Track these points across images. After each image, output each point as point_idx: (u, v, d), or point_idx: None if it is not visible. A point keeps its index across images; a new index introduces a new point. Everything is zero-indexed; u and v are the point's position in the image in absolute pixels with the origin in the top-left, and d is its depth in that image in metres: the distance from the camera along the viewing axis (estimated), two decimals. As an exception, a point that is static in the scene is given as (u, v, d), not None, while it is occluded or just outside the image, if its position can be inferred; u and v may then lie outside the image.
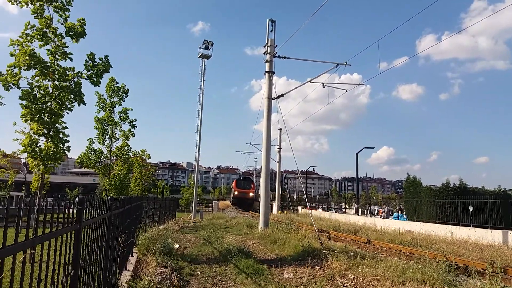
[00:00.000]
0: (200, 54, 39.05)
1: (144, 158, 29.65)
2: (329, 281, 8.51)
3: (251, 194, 49.74)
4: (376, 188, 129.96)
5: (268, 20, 19.17)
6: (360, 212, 36.70)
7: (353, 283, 8.23)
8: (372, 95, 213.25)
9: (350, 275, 8.65)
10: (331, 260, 9.77)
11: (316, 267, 9.87)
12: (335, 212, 42.29)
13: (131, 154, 23.06)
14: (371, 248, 13.45)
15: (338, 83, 20.97)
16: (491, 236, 17.55)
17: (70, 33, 9.33)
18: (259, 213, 18.73)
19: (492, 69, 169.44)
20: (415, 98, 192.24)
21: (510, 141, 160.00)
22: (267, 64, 19.30)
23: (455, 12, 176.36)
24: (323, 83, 19.86)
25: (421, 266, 8.31)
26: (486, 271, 8.20)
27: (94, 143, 20.56)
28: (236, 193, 51.18)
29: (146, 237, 11.30)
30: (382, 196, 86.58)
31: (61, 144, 10.01)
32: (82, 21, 9.43)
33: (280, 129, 41.40)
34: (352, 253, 10.17)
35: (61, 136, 10.04)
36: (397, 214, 33.69)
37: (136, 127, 21.64)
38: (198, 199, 58.59)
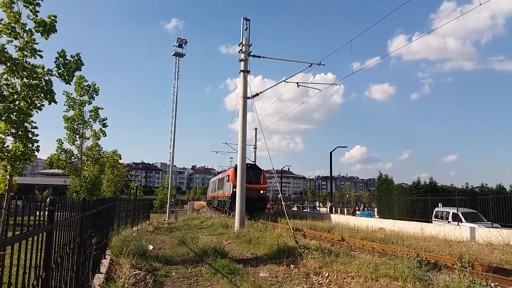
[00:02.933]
0: (174, 52, 38.68)
1: (115, 158, 29.10)
2: (304, 279, 8.60)
3: (262, 191, 30.44)
4: (349, 187, 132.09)
5: (242, 18, 19.16)
6: (334, 211, 37.25)
7: (327, 280, 8.34)
8: (346, 95, 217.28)
9: (324, 273, 8.76)
10: (306, 258, 9.86)
11: (292, 265, 9.95)
12: (309, 211, 42.81)
13: (102, 154, 22.57)
14: (345, 246, 13.69)
15: (312, 83, 21.27)
16: (459, 232, 18.17)
17: (40, 29, 9.03)
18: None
19: (460, 70, 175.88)
20: (387, 97, 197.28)
21: (477, 140, 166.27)
22: (242, 63, 19.30)
23: (425, 13, 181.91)
24: (297, 83, 20.06)
25: (393, 262, 8.50)
26: (455, 266, 8.49)
27: (63, 143, 19.97)
28: (235, 189, 29.25)
29: (119, 238, 11.11)
30: (355, 195, 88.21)
31: (30, 144, 9.68)
32: (53, 17, 9.15)
33: (256, 129, 41.38)
34: (326, 251, 10.30)
35: (30, 135, 9.71)
36: (363, 211, 34.52)
37: (107, 126, 21.13)
38: (173, 200, 57.95)
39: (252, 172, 30.44)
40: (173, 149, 37.94)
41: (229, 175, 32.08)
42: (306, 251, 10.33)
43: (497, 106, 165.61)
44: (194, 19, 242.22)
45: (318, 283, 8.30)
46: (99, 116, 20.98)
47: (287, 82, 20.18)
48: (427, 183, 29.97)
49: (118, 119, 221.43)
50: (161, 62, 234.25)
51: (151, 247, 12.65)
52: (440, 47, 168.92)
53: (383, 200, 32.09)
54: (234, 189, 26.65)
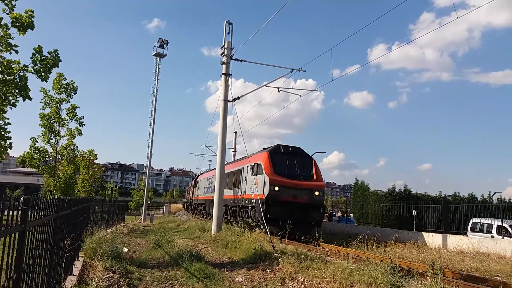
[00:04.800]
0: (155, 52, 38.27)
1: (91, 158, 28.55)
2: (280, 284, 8.63)
3: (317, 192, 18.96)
4: (326, 192, 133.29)
5: (225, 22, 19.17)
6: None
7: (302, 286, 8.39)
8: (325, 101, 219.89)
9: (300, 278, 8.81)
10: (282, 263, 9.90)
11: (268, 270, 9.96)
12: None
13: (77, 153, 22.13)
14: (321, 251, 13.79)
15: (292, 88, 21.30)
16: (432, 240, 18.59)
17: (17, 24, 8.81)
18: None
19: (437, 80, 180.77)
20: (365, 105, 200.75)
21: (452, 149, 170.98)
22: (224, 66, 19.30)
23: (405, 23, 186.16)
24: (278, 88, 20.19)
25: (367, 268, 8.62)
26: (427, 272, 8.66)
27: (37, 142, 19.45)
28: (276, 188, 18.13)
29: (93, 240, 10.90)
30: (331, 200, 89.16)
31: (3, 141, 9.44)
32: (30, 12, 8.94)
33: (236, 132, 41.17)
34: (302, 256, 10.37)
35: (3, 132, 9.46)
36: (343, 217, 34.95)
37: (84, 125, 20.80)
38: (149, 202, 57.13)
39: (297, 160, 19.53)
40: (151, 150, 37.39)
41: (259, 164, 19.48)
42: (282, 256, 10.37)
43: (471, 117, 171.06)
44: (176, 20, 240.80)
45: (294, 288, 8.34)
46: (76, 115, 20.60)
47: (268, 86, 20.29)
48: (402, 191, 30.62)
49: (96, 118, 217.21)
50: (142, 62, 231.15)
51: (125, 249, 12.45)
52: (418, 57, 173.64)
53: (359, 206, 32.57)
54: (273, 187, 17.74)
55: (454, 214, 23.89)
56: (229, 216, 24.07)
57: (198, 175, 46.86)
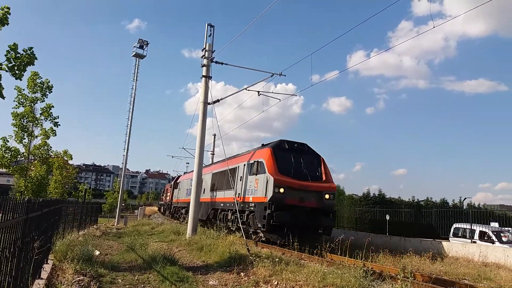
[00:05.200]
0: (134, 53, 37.90)
1: (66, 159, 27.94)
2: (254, 287, 8.66)
3: (327, 195, 16.64)
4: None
5: (207, 24, 19.16)
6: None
7: (276, 289, 8.45)
8: (305, 106, 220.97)
9: (274, 281, 8.86)
10: (257, 266, 9.93)
11: (242, 273, 9.98)
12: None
13: (51, 154, 21.65)
14: (295, 254, 13.89)
15: (272, 92, 21.52)
16: (404, 244, 19.01)
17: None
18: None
19: (414, 87, 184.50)
20: (343, 110, 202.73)
21: (426, 155, 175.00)
22: (204, 68, 19.27)
23: (384, 30, 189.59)
24: (258, 91, 20.27)
25: (340, 271, 8.75)
26: (398, 276, 8.88)
27: (9, 141, 18.90)
28: (281, 190, 15.76)
29: (64, 243, 10.71)
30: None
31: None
32: (6, 9, 8.71)
33: (215, 135, 41.00)
34: (277, 259, 10.44)
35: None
36: None
37: (59, 125, 20.36)
38: (123, 204, 56.15)
39: (304, 158, 17.46)
40: (127, 152, 36.90)
41: (260, 162, 17.18)
42: (257, 259, 10.41)
43: (446, 124, 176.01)
44: (157, 21, 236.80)
45: (267, 291, 8.39)
46: (51, 115, 20.16)
47: (249, 90, 20.37)
48: (376, 195, 31.24)
49: (72, 119, 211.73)
50: (121, 63, 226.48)
51: (97, 252, 12.24)
52: (396, 64, 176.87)
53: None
54: (278, 189, 15.56)
55: (425, 218, 24.53)
56: (218, 222, 21.66)
57: (179, 176, 44.39)
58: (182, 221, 30.91)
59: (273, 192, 15.59)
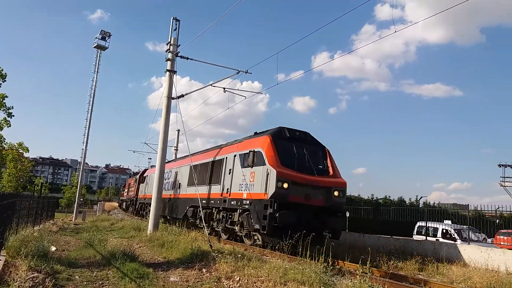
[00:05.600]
0: (96, 44, 36.69)
1: (21, 151, 26.74)
2: (215, 283, 8.61)
3: (336, 192, 14.16)
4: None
5: (172, 18, 18.79)
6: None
7: (238, 285, 8.45)
8: (270, 104, 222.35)
9: (236, 277, 8.86)
10: (219, 262, 9.91)
11: (204, 269, 9.91)
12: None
13: (4, 146, 20.62)
14: (258, 250, 13.96)
15: (238, 89, 21.39)
16: (363, 240, 19.55)
17: None
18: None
19: (375, 90, 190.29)
20: (307, 110, 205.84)
21: (384, 155, 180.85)
22: (169, 62, 18.94)
23: (348, 33, 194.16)
24: (224, 88, 20.18)
25: (301, 267, 8.89)
26: (357, 271, 9.11)
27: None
28: (285, 186, 13.18)
29: (17, 238, 10.26)
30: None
31: None
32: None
33: (178, 130, 40.50)
34: (239, 255, 10.44)
35: None
36: None
37: (13, 115, 19.42)
38: (82, 199, 54.40)
39: (307, 149, 15.14)
40: (86, 146, 35.71)
41: (258, 152, 14.54)
42: (219, 255, 10.38)
43: (405, 126, 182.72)
44: (121, 12, 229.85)
45: (229, 287, 8.37)
46: (5, 105, 19.21)
47: (214, 86, 20.19)
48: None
49: (29, 111, 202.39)
50: (82, 54, 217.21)
51: (53, 248, 11.78)
52: (358, 67, 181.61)
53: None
54: (282, 184, 13.16)
55: (384, 216, 25.37)
56: (197, 221, 19.23)
57: (145, 170, 41.25)
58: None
59: (275, 187, 13.07)
